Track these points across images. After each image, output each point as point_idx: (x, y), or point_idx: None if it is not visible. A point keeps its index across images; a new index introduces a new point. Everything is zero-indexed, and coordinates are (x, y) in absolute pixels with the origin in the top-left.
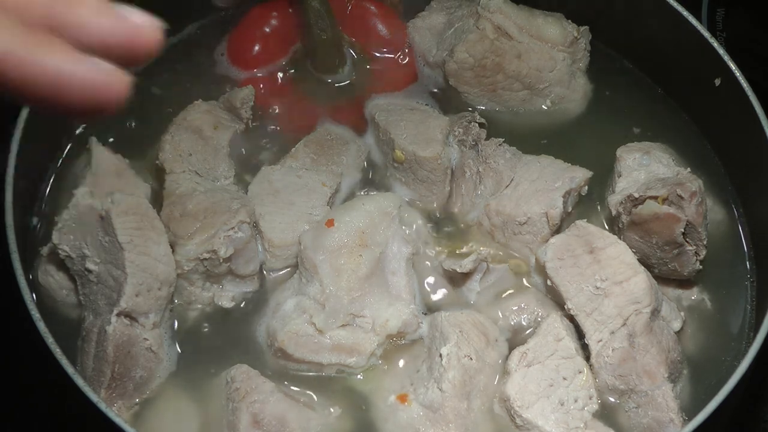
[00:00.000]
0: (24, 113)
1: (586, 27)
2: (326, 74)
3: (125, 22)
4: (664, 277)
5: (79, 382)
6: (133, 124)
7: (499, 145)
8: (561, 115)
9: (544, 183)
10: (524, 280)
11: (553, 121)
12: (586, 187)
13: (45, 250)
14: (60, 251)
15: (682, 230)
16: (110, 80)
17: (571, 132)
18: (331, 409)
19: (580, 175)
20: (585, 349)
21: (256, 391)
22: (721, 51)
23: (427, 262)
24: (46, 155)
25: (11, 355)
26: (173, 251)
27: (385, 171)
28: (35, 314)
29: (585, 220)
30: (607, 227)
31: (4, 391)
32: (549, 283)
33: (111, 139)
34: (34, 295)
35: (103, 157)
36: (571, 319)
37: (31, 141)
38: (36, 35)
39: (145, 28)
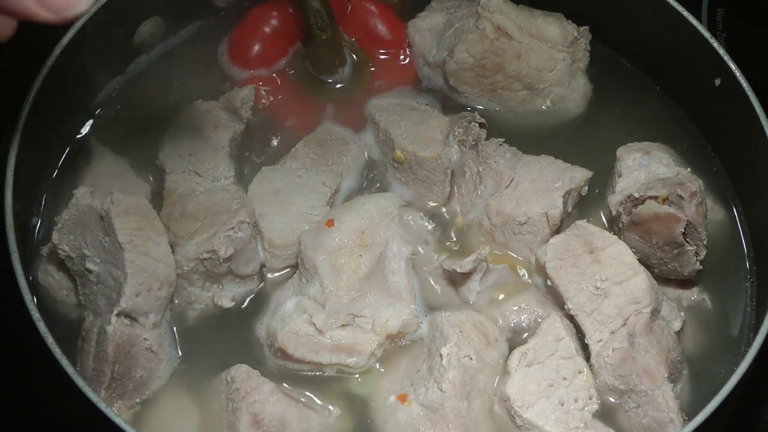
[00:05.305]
0: (24, 113)
1: (586, 27)
2: (326, 74)
3: None
4: (664, 277)
5: (79, 382)
6: (134, 124)
7: (499, 145)
8: (561, 115)
9: (544, 183)
10: (524, 280)
11: (553, 121)
12: (586, 187)
13: (45, 250)
14: (60, 251)
15: (682, 230)
16: None
17: (571, 132)
18: (331, 409)
19: (580, 175)
20: (585, 349)
21: (256, 391)
22: (721, 51)
23: (427, 262)
24: (46, 155)
25: (11, 355)
26: (173, 251)
27: (385, 171)
28: (35, 314)
29: (585, 220)
30: (607, 227)
31: (4, 391)
32: (549, 283)
33: (111, 139)
34: (34, 296)
35: (103, 157)
36: (571, 319)
37: (31, 141)
38: None
39: None
